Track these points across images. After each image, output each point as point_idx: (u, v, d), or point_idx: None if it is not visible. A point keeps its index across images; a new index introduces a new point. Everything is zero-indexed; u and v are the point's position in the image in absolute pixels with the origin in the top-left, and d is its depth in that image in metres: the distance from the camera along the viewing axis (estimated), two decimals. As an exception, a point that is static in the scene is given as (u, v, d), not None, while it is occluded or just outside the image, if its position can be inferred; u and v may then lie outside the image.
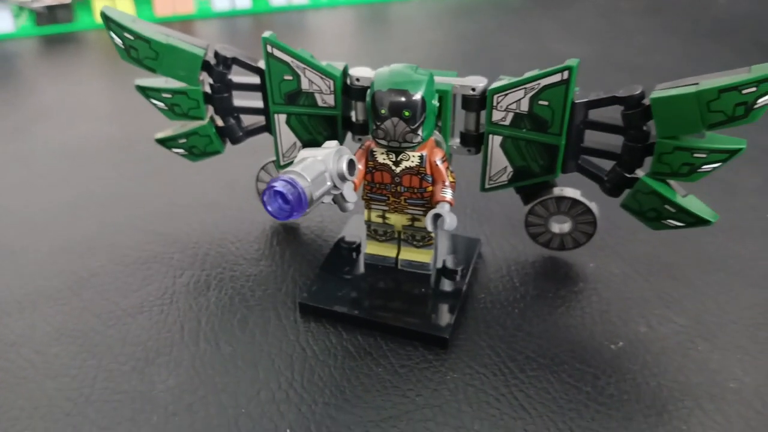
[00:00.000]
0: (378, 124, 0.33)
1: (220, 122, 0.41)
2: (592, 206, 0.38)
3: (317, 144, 0.39)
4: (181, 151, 0.42)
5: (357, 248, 0.40)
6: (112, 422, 0.31)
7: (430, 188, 0.35)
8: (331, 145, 0.33)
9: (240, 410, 0.32)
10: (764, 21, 0.79)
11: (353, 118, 0.39)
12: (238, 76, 0.40)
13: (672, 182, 0.34)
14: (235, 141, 0.41)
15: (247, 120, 0.41)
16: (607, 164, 0.36)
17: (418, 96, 0.32)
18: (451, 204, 0.35)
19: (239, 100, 0.41)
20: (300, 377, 0.34)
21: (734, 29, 0.77)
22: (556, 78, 0.33)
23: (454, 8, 0.85)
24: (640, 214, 0.35)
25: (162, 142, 0.42)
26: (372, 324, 0.36)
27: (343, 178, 0.32)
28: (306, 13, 0.82)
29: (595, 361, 0.34)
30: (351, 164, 0.32)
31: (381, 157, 0.35)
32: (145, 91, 0.40)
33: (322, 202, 0.32)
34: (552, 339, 0.36)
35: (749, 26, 0.78)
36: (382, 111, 0.33)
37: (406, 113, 0.32)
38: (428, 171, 0.35)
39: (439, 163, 0.35)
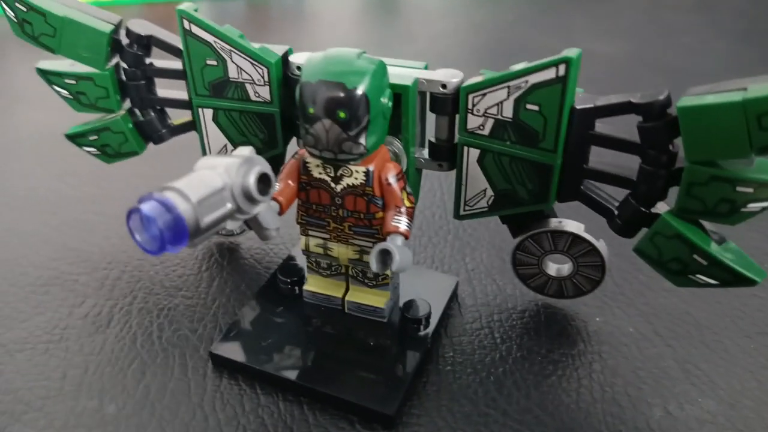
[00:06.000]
0: (307, 127, 0.25)
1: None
2: (600, 245, 0.29)
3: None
4: (92, 149, 0.34)
5: (299, 282, 0.32)
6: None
7: (380, 214, 0.27)
8: (244, 152, 0.25)
9: (104, 499, 0.24)
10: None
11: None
12: (162, 60, 0.32)
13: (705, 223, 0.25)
14: (156, 140, 0.33)
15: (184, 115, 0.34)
16: (621, 193, 0.27)
17: (359, 91, 0.24)
18: (405, 236, 0.26)
19: (165, 89, 0.33)
20: (192, 458, 0.26)
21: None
22: (549, 74, 0.24)
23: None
24: (660, 264, 0.26)
25: (72, 138, 0.34)
26: (298, 388, 0.28)
27: (251, 199, 0.24)
28: (306, -3, 0.74)
29: (589, 459, 0.25)
30: (264, 180, 0.24)
31: (316, 171, 0.27)
32: (47, 76, 0.33)
33: (225, 230, 0.24)
34: (534, 421, 0.27)
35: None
36: (311, 110, 0.24)
37: (342, 114, 0.24)
38: (377, 192, 0.26)
39: (392, 182, 0.26)
